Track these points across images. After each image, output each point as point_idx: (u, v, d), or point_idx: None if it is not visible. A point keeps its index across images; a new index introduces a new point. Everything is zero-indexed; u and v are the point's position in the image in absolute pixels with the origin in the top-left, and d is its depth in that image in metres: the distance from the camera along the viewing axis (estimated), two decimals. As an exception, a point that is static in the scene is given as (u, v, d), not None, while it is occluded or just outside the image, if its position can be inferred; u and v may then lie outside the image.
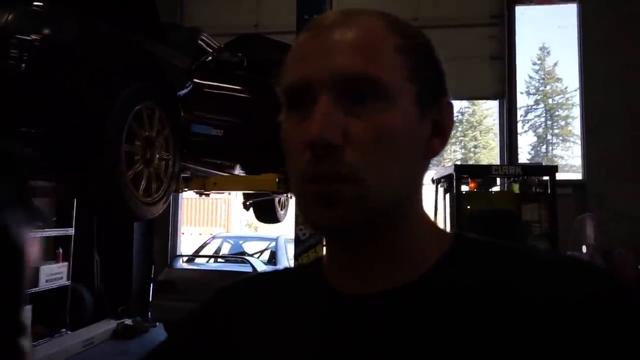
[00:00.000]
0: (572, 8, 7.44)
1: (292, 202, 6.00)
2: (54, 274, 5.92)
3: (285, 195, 5.43)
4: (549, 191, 5.24)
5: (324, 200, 0.51)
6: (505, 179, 5.95)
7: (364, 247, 0.55)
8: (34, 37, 2.18)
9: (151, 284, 7.24)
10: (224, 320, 0.64)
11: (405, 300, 0.53)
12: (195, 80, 3.26)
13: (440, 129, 0.56)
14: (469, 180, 5.46)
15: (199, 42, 3.81)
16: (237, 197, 6.03)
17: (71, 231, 6.19)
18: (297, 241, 3.52)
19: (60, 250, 6.24)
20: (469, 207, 5.20)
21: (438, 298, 0.52)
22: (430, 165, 0.61)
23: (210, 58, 3.59)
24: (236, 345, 0.61)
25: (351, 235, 0.54)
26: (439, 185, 5.87)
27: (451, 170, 5.44)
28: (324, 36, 0.53)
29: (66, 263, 6.14)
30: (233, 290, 0.69)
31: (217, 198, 16.04)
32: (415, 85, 0.53)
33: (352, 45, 0.51)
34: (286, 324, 0.60)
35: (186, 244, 9.63)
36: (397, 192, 0.53)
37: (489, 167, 5.83)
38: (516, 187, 5.49)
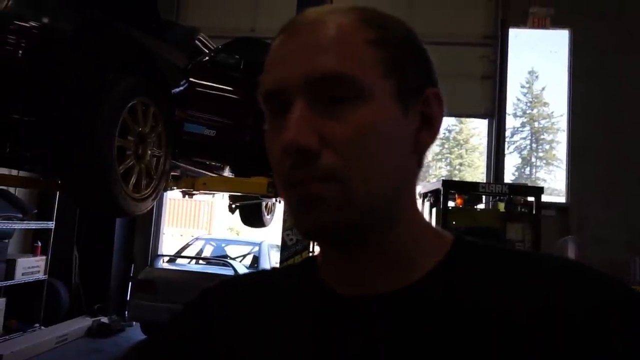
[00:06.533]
0: (564, 34, 7.59)
1: (279, 207, 5.99)
2: (30, 267, 5.83)
3: (273, 200, 5.41)
4: (534, 212, 5.31)
5: (308, 204, 0.50)
6: (491, 197, 6.01)
7: (358, 250, 0.54)
8: (32, 24, 2.16)
9: (130, 283, 7.14)
10: (209, 322, 0.62)
11: (405, 303, 0.52)
12: (190, 79, 3.24)
13: (428, 121, 0.54)
14: (456, 196, 5.51)
15: (196, 41, 3.80)
16: (223, 199, 5.98)
17: (51, 225, 6.10)
18: (284, 247, 3.51)
19: (39, 244, 6.15)
20: (454, 222, 5.25)
21: (437, 302, 0.52)
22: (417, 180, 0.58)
23: (206, 58, 3.57)
24: (225, 347, 0.59)
25: (338, 238, 0.52)
26: (426, 200, 5.91)
27: (439, 185, 5.49)
28: (296, 38, 0.51)
29: (44, 257, 6.05)
30: (220, 290, 0.66)
31: (200, 200, 15.92)
32: (394, 79, 0.51)
33: (322, 46, 0.50)
34: (282, 325, 0.58)
35: (167, 244, 9.51)
36: (385, 191, 0.51)
37: (476, 184, 5.90)
38: (501, 206, 5.56)
